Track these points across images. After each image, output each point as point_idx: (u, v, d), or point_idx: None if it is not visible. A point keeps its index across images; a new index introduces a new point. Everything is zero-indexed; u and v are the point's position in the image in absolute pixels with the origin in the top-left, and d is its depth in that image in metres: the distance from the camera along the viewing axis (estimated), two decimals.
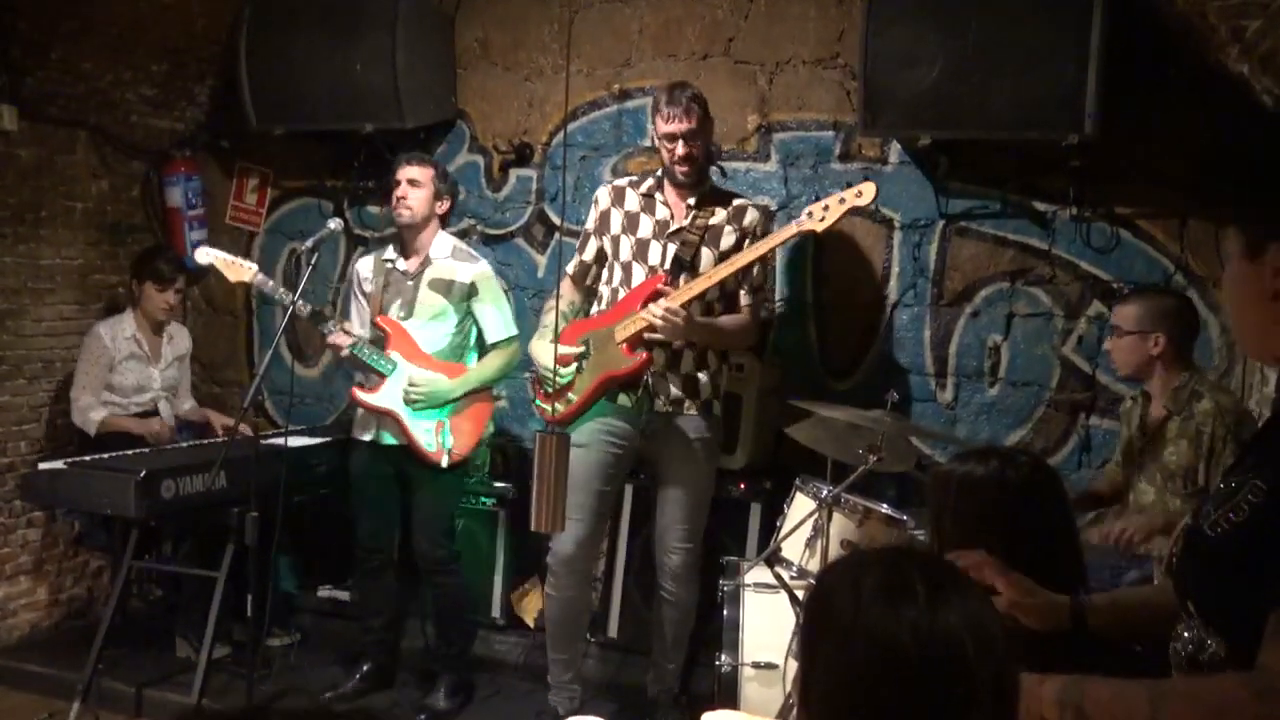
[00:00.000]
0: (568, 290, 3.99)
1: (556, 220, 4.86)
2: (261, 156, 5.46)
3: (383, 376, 4.11)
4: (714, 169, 4.08)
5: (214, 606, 3.93)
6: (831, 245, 4.50)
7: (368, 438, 4.19)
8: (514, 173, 5.03)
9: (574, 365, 3.72)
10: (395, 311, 4.16)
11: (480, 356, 4.27)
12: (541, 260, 5.01)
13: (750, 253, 3.59)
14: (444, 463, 4.06)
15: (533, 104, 4.96)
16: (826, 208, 3.43)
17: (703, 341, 3.69)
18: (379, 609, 4.36)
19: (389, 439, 4.14)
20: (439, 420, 4.09)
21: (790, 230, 3.53)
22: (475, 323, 4.20)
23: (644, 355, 3.61)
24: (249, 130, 5.01)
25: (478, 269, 4.18)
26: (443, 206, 4.16)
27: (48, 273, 5.03)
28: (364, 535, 4.26)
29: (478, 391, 4.20)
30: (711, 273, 3.58)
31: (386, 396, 4.11)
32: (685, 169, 3.69)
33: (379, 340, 4.15)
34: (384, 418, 4.12)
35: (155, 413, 4.86)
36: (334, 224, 3.90)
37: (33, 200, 4.92)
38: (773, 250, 3.77)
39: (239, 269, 4.10)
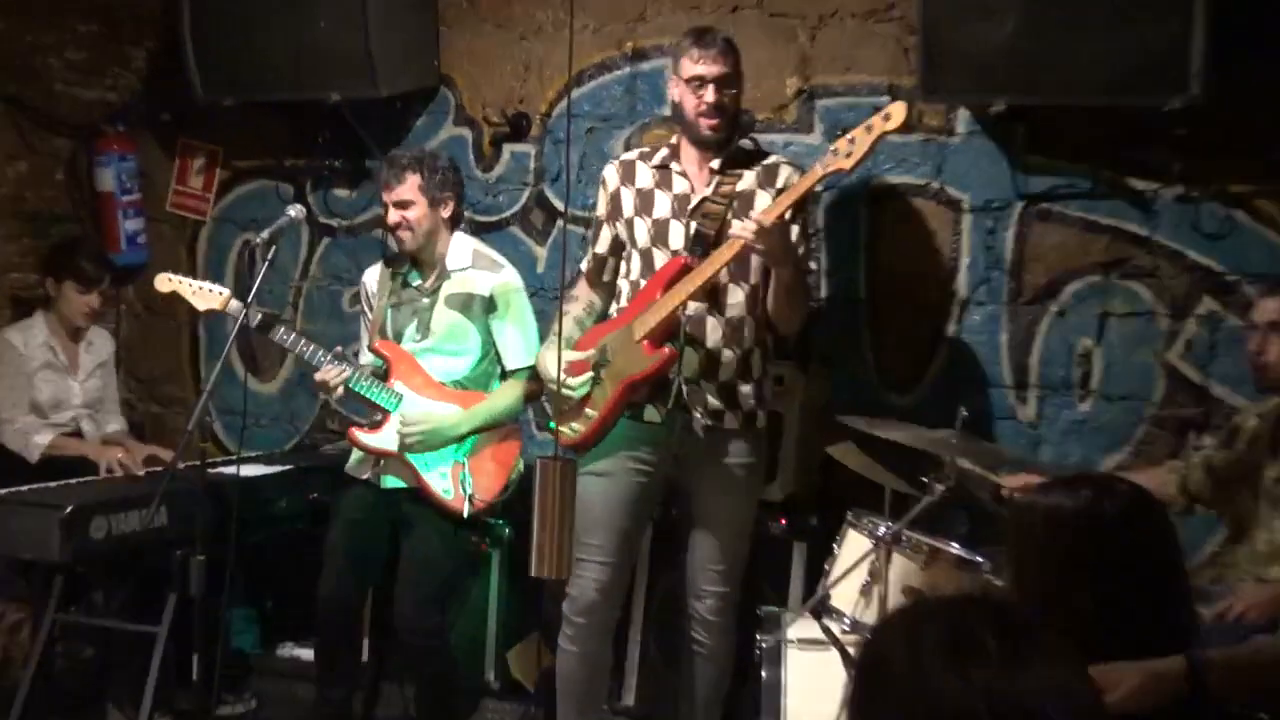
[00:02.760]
0: (584, 291, 4.02)
1: (559, 205, 4.89)
2: (208, 132, 5.50)
3: (387, 412, 4.12)
4: (745, 142, 4.02)
5: (153, 668, 3.92)
6: (888, 231, 4.52)
7: (366, 476, 4.21)
8: (508, 149, 5.07)
9: (587, 376, 3.73)
10: (411, 335, 4.19)
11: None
12: (541, 253, 5.05)
13: (774, 208, 3.55)
14: (466, 512, 4.08)
15: (530, 67, 4.99)
16: (853, 140, 3.41)
17: (787, 272, 3.66)
18: (342, 678, 4.30)
19: (393, 481, 4.17)
20: (456, 462, 4.12)
21: (815, 173, 3.51)
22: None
23: (666, 350, 3.62)
24: (194, 101, 5.07)
25: (498, 279, 4.20)
26: (447, 209, 4.19)
27: None
28: (332, 586, 4.21)
29: (499, 426, 4.21)
30: (733, 237, 3.57)
31: (391, 436, 4.12)
32: (714, 122, 3.69)
33: (381, 371, 4.19)
34: (387, 459, 4.15)
35: (78, 434, 4.89)
36: (294, 211, 3.90)
37: None
38: (808, 216, 3.79)
39: (207, 295, 4.13)
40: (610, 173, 3.95)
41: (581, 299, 3.98)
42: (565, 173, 4.86)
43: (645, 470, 3.82)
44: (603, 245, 3.98)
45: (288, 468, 4.79)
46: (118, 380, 5.25)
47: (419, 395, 4.13)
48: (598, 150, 4.84)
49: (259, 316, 4.07)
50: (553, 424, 3.82)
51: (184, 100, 5.14)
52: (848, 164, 3.42)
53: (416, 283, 4.21)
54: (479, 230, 4.96)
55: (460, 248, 4.23)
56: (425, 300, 4.18)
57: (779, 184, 3.76)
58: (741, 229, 3.45)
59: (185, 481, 3.94)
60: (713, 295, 3.68)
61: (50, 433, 4.75)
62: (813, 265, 3.92)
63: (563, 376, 3.65)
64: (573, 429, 3.72)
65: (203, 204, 5.59)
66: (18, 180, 5.27)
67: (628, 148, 4.68)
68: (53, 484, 4.32)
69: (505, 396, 4.21)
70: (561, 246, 4.78)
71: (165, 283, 4.17)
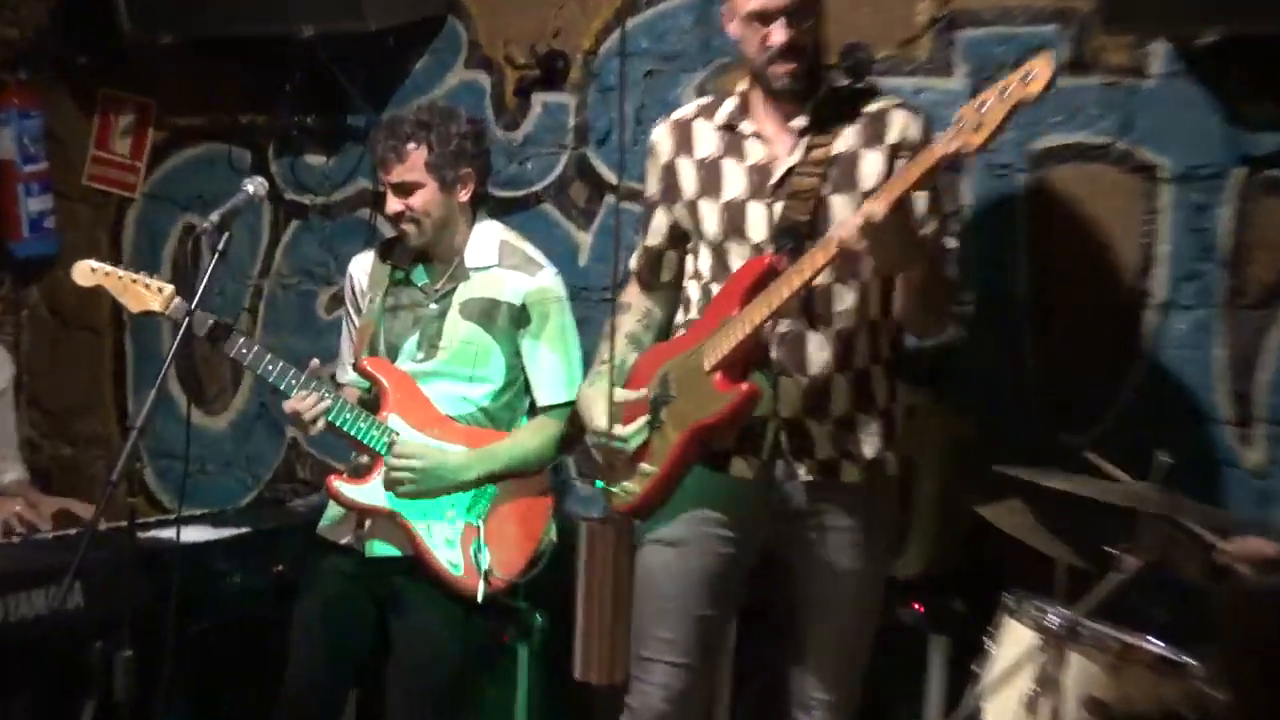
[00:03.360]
0: (635, 298, 4.03)
1: (609, 175, 4.95)
2: (139, 80, 5.59)
3: (377, 455, 4.16)
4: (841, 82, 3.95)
5: None
6: (1056, 210, 4.45)
7: (346, 540, 4.26)
8: (539, 99, 5.13)
9: (643, 422, 3.72)
10: (411, 351, 4.25)
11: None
12: (585, 240, 5.09)
13: (882, 196, 3.41)
14: (480, 593, 4.12)
15: None
16: (983, 106, 3.29)
17: (916, 272, 3.60)
18: None
19: (382, 548, 4.21)
20: (468, 524, 4.19)
21: (933, 154, 3.38)
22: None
23: (745, 386, 3.57)
24: (120, 39, 5.19)
25: (534, 284, 4.27)
26: (466, 189, 4.25)
27: None
28: (300, 685, 4.26)
29: (522, 476, 4.26)
30: (829, 240, 3.48)
31: (381, 488, 4.18)
32: (789, 67, 3.65)
33: (370, 399, 4.24)
34: (378, 518, 4.18)
35: None
36: (252, 186, 3.92)
37: None
38: (943, 184, 3.73)
39: (144, 292, 4.15)
40: (660, 137, 3.91)
41: (634, 308, 3.99)
42: (619, 131, 4.84)
43: (730, 539, 3.80)
44: (657, 236, 3.96)
45: (243, 530, 4.82)
46: (16, 414, 5.26)
47: (420, 432, 4.18)
48: (660, 101, 4.83)
49: (208, 323, 4.08)
50: (600, 484, 3.88)
51: (107, 38, 5.24)
52: (977, 140, 3.30)
53: (422, 282, 4.29)
54: (499, 209, 4.96)
55: (484, 240, 4.31)
56: (433, 306, 4.26)
57: (891, 138, 3.71)
58: (841, 233, 3.40)
59: (108, 548, 3.96)
60: (810, 302, 3.66)
61: None
62: (951, 242, 3.81)
63: (612, 424, 3.70)
64: (625, 490, 3.75)
65: (130, 175, 5.67)
66: None
67: (698, 97, 4.60)
68: None
69: (533, 438, 4.28)
70: (614, 232, 4.76)
71: (87, 274, 4.16)
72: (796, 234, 3.66)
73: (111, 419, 5.78)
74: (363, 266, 4.39)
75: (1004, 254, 4.57)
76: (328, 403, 4.07)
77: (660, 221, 3.92)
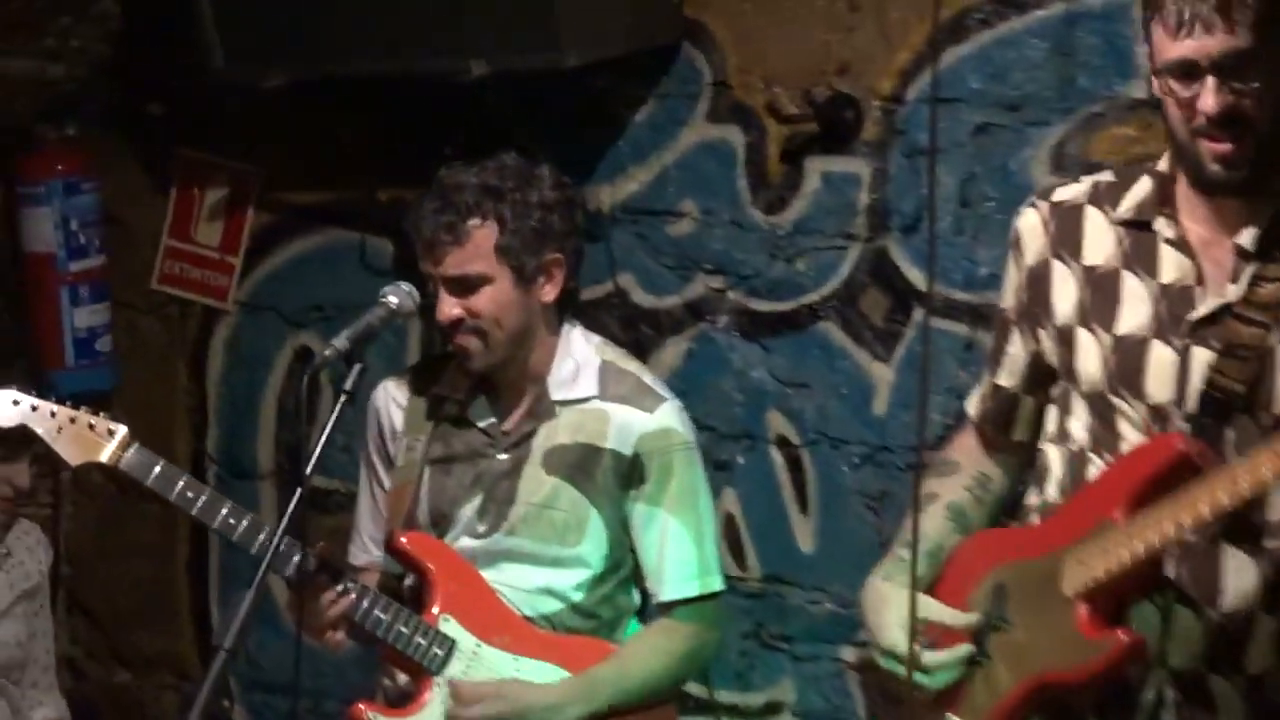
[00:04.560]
0: (968, 456, 3.61)
1: (916, 280, 4.47)
2: (235, 139, 5.28)
3: (428, 675, 3.85)
4: None
5: None
6: None
7: None
8: (816, 167, 4.65)
9: (960, 653, 3.31)
10: (470, 521, 3.97)
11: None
12: (884, 375, 4.56)
13: None
14: None
15: (859, 8, 4.60)
16: None
17: None
18: None
19: None
20: None
21: None
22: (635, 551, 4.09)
23: (1125, 638, 3.17)
24: (207, 81, 4.89)
25: (653, 423, 3.95)
26: (552, 284, 3.89)
27: None
28: None
29: (640, 712, 3.98)
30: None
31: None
32: (1223, 149, 3.24)
33: (407, 592, 3.99)
34: None
35: None
36: (396, 296, 3.65)
37: None
38: None
39: (84, 436, 3.87)
40: (1030, 225, 3.49)
41: (963, 471, 3.56)
42: (929, 212, 4.42)
43: None
44: (1012, 371, 3.55)
45: None
46: (54, 623, 4.96)
47: (487, 643, 3.90)
48: (995, 170, 4.44)
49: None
50: None
51: (190, 79, 4.95)
52: None
53: (486, 422, 3.97)
54: (755, 330, 4.70)
55: (577, 360, 3.99)
56: (503, 457, 3.95)
57: None
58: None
59: None
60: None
61: None
62: None
63: (917, 643, 3.32)
64: None
65: (221, 277, 5.30)
66: None
67: (1059, 166, 4.38)
68: None
69: (654, 654, 3.96)
70: (922, 363, 4.35)
71: (8, 409, 3.87)
72: (1224, 407, 3.32)
73: (186, 633, 5.40)
74: (396, 398, 4.09)
75: None
76: (350, 600, 3.83)
77: (1018, 350, 3.53)
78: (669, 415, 3.95)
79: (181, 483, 3.89)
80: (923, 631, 3.31)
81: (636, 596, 4.06)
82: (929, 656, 3.29)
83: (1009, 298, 3.50)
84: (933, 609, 3.31)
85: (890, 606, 3.38)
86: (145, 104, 5.26)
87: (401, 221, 4.71)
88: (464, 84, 4.59)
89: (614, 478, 3.91)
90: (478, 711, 3.79)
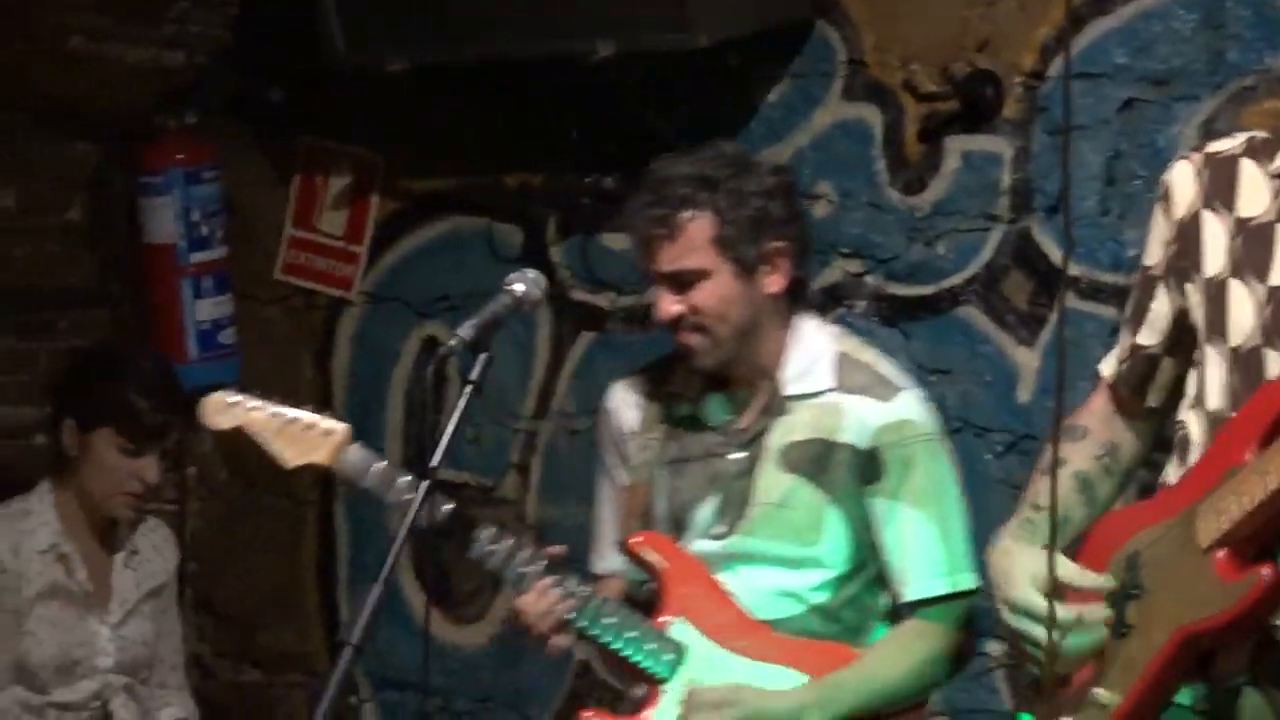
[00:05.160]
0: (1098, 421, 3.50)
1: (1057, 259, 4.48)
2: (359, 126, 5.35)
3: (657, 681, 3.80)
4: None
5: None
6: None
7: None
8: (956, 146, 4.64)
9: (1098, 614, 3.21)
10: (705, 523, 3.90)
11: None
12: (1028, 361, 4.55)
13: None
14: None
15: None
16: None
17: None
18: None
19: None
20: None
21: None
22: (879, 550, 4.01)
23: (1267, 572, 3.09)
24: (330, 67, 4.96)
25: (891, 414, 3.87)
26: (776, 273, 3.83)
27: None
28: None
29: (892, 714, 3.90)
30: None
31: None
32: None
33: (645, 595, 3.96)
34: None
35: None
36: (522, 284, 3.53)
37: None
38: None
39: (302, 436, 3.88)
40: (1181, 178, 3.43)
41: (1091, 437, 3.48)
42: (1064, 192, 4.36)
43: None
44: (1153, 330, 3.48)
45: None
46: (182, 621, 5.01)
47: (723, 648, 3.84)
48: (1143, 147, 4.41)
49: (446, 505, 3.82)
50: (1026, 717, 3.46)
51: (312, 66, 4.99)
52: None
53: (720, 420, 3.92)
54: (894, 315, 4.72)
55: (810, 352, 3.92)
56: (737, 455, 3.89)
57: None
58: None
59: None
60: None
61: None
62: None
63: (1055, 608, 3.20)
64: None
65: (346, 266, 5.35)
66: None
67: (1208, 137, 4.13)
68: None
69: (900, 656, 3.88)
70: (1056, 344, 4.31)
71: (221, 410, 3.94)
72: None
73: (315, 629, 5.43)
74: (628, 399, 4.07)
75: None
76: (575, 602, 3.78)
77: (1162, 308, 3.46)
78: (908, 405, 3.91)
79: (404, 481, 3.89)
80: (1063, 597, 3.23)
81: (883, 599, 4.01)
82: (1063, 612, 3.21)
83: (1154, 253, 3.44)
84: (1067, 568, 3.24)
85: (1018, 562, 3.33)
86: (266, 91, 5.30)
87: (529, 207, 5.15)
88: (591, 66, 4.60)
89: (852, 473, 3.87)
90: (716, 712, 3.76)
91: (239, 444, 4.85)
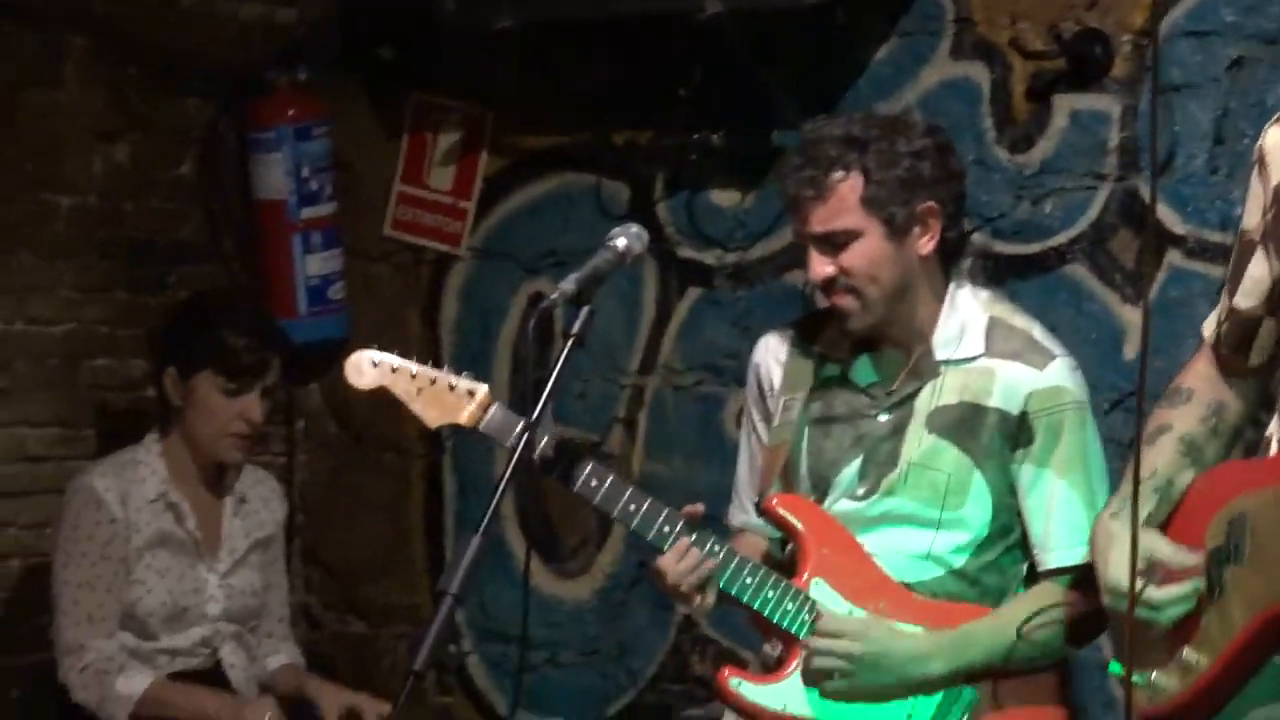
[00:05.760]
0: (1201, 383, 3.51)
1: (1168, 220, 4.43)
2: (467, 83, 5.34)
3: (794, 638, 3.77)
4: None
5: None
6: None
7: None
8: (1065, 105, 4.63)
9: (1190, 587, 3.25)
10: (849, 484, 3.89)
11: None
12: (1137, 319, 4.50)
13: None
14: None
15: None
16: None
17: None
18: None
19: None
20: None
21: None
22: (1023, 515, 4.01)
23: None
24: (440, 25, 4.98)
25: (1042, 381, 3.87)
26: (928, 235, 3.82)
27: None
28: None
29: (1021, 674, 3.85)
30: None
31: (799, 689, 3.81)
32: None
33: (785, 556, 3.94)
34: None
35: (217, 674, 4.63)
36: (625, 239, 3.58)
37: None
38: None
39: (444, 398, 3.89)
40: (1274, 141, 3.41)
41: (1195, 399, 3.50)
42: (1174, 151, 4.33)
43: None
44: (1253, 292, 3.46)
45: None
46: (290, 573, 5.13)
47: (861, 608, 3.89)
48: (1253, 106, 4.38)
49: (551, 444, 3.85)
50: (1116, 665, 3.51)
51: (421, 22, 5.01)
52: None
53: (869, 382, 3.92)
54: (1002, 272, 4.66)
55: (962, 316, 3.92)
56: (884, 418, 3.87)
57: None
58: None
59: None
60: None
61: (150, 673, 4.51)
62: None
63: (1144, 579, 3.29)
64: (1154, 685, 3.37)
65: (454, 222, 5.36)
66: (109, 179, 5.17)
67: None
68: None
69: (1039, 615, 3.86)
70: (1142, 309, 4.26)
71: (367, 371, 3.89)
72: None
73: (422, 582, 5.38)
74: (776, 354, 4.03)
75: None
76: (716, 561, 3.77)
77: (1261, 272, 3.43)
78: (1061, 372, 3.89)
79: (552, 442, 3.90)
80: (1151, 569, 3.26)
81: (1024, 567, 4.00)
82: (1154, 593, 3.24)
83: (1252, 217, 3.41)
84: (1158, 546, 3.26)
85: (1116, 544, 3.33)
86: (376, 48, 5.33)
87: (637, 164, 5.15)
88: (699, 23, 4.58)
89: (1000, 438, 3.87)
90: (834, 645, 3.75)
91: (347, 398, 5.19)
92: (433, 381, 3.84)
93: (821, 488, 3.88)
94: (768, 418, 4.02)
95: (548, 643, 5.12)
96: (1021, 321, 3.92)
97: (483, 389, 3.82)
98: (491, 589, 5.09)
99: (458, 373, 3.90)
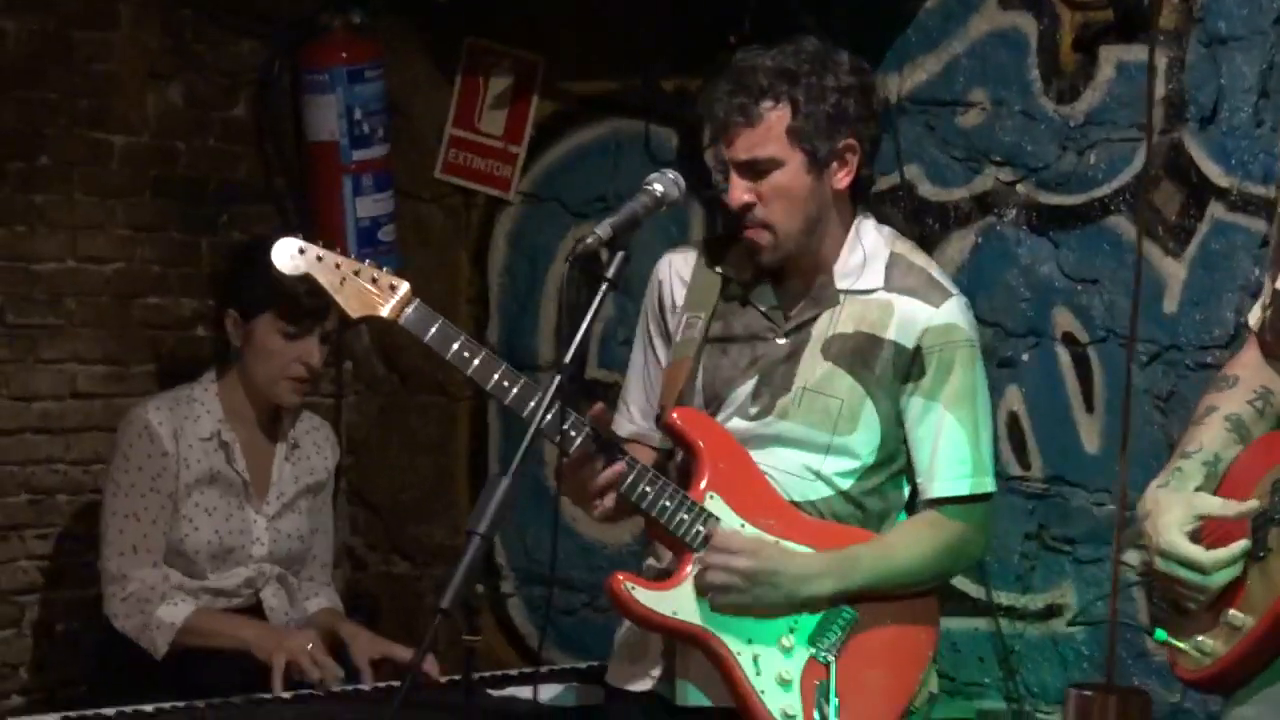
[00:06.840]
0: (1248, 369, 3.61)
1: (1212, 174, 4.46)
2: (520, 28, 5.43)
3: (689, 551, 3.88)
4: None
5: None
6: None
7: (641, 688, 4.02)
8: (1110, 56, 4.69)
9: (1239, 548, 3.31)
10: (744, 403, 3.98)
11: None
12: (1176, 272, 4.60)
13: None
14: None
15: None
16: None
17: None
18: None
19: (695, 695, 3.97)
20: (812, 658, 3.89)
21: None
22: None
23: None
24: None
25: (937, 318, 3.96)
26: (845, 170, 3.91)
27: (47, 287, 5.07)
28: None
29: (898, 598, 4.01)
30: None
31: (690, 597, 3.89)
32: None
33: (679, 469, 4.01)
34: (686, 648, 3.94)
35: (256, 614, 4.74)
36: (661, 184, 3.64)
37: (19, 129, 4.99)
38: None
39: (367, 290, 3.90)
40: None
41: (1243, 383, 3.55)
42: (1221, 103, 4.40)
43: None
44: None
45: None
46: (335, 515, 5.16)
47: (751, 524, 3.92)
48: None
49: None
50: (1161, 633, 3.49)
51: None
52: None
53: (768, 305, 3.99)
54: (1044, 223, 4.72)
55: (865, 250, 4.01)
56: (782, 341, 3.96)
57: None
58: None
59: (441, 712, 4.04)
60: None
61: (186, 603, 4.63)
62: None
63: (1189, 549, 3.28)
64: (1199, 649, 3.38)
65: (505, 166, 5.45)
66: (163, 121, 5.24)
67: None
68: (180, 705, 4.20)
69: (917, 543, 3.99)
70: (1220, 259, 4.35)
71: (292, 256, 3.89)
72: None
73: (460, 520, 5.25)
74: (680, 272, 4.11)
75: None
76: (619, 468, 3.83)
77: None
78: (955, 311, 3.96)
79: (458, 343, 3.88)
80: (1201, 530, 3.29)
81: (906, 493, 4.09)
82: (1206, 555, 3.27)
83: None
84: (1209, 503, 3.30)
85: (1165, 509, 3.37)
86: None
87: (686, 111, 5.07)
88: None
89: (893, 369, 3.93)
90: (729, 561, 3.82)
91: (396, 340, 5.29)
92: (356, 273, 3.89)
93: (714, 405, 3.97)
94: (666, 334, 4.09)
95: (588, 586, 5.15)
96: (921, 260, 4.01)
97: (404, 285, 3.85)
98: (535, 532, 5.15)
99: (379, 268, 3.92)
